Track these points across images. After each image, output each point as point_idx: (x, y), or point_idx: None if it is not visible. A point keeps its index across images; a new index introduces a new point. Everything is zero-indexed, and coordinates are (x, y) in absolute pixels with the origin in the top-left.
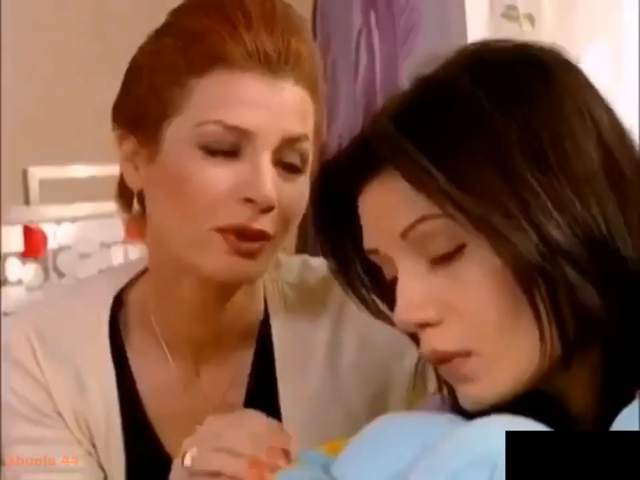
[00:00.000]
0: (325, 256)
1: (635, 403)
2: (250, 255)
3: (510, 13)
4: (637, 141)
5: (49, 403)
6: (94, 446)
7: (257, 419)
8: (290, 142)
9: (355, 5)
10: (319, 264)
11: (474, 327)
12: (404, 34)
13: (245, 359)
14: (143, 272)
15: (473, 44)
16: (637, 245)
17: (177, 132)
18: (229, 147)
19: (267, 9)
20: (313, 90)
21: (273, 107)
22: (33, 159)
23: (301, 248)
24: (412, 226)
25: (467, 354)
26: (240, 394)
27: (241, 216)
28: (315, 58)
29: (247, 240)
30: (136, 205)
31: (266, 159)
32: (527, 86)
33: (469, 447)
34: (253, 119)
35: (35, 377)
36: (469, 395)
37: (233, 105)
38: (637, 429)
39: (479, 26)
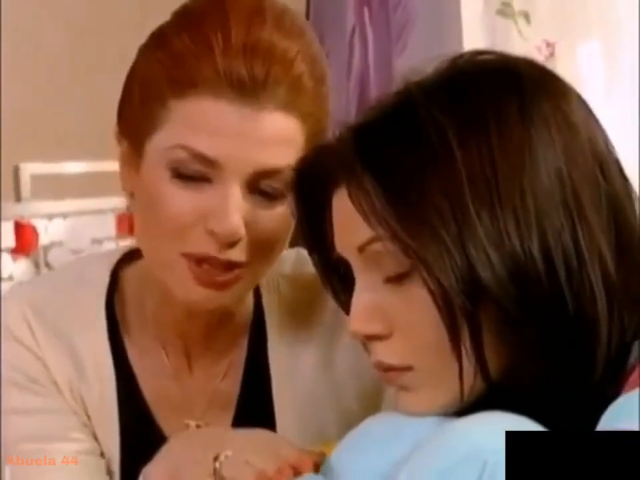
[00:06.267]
0: (306, 248)
1: (618, 401)
2: (222, 287)
3: (505, 10)
4: (628, 165)
5: (45, 373)
6: (88, 417)
7: (283, 441)
8: (267, 173)
9: (349, 2)
10: None
11: (415, 345)
12: (398, 30)
13: (239, 351)
14: (135, 253)
15: (459, 57)
16: (608, 276)
17: (154, 150)
18: (198, 174)
19: (255, 26)
20: (303, 114)
21: (244, 137)
22: (24, 155)
23: (296, 241)
24: (366, 243)
25: (407, 369)
26: (234, 384)
27: (206, 246)
28: (313, 74)
29: (218, 271)
30: (131, 207)
31: (234, 190)
32: (499, 115)
33: (460, 444)
34: (220, 149)
35: (32, 349)
36: (405, 403)
37: (201, 132)
38: (622, 425)
39: (474, 23)
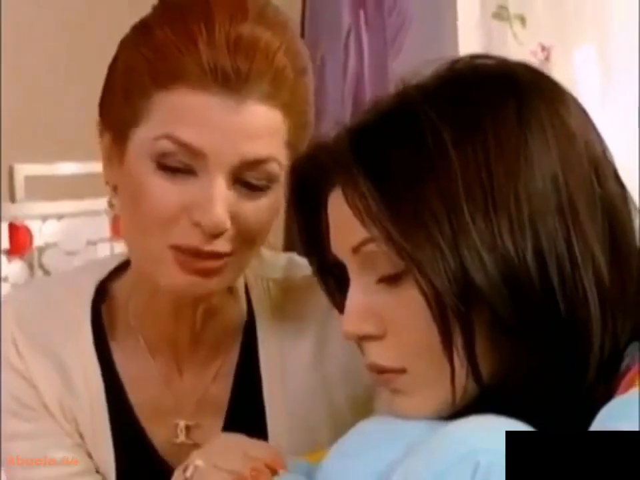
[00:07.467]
0: (301, 247)
1: (611, 403)
2: (208, 274)
3: (501, 13)
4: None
5: (34, 396)
6: (81, 436)
7: (248, 442)
8: (251, 164)
9: (344, 4)
10: (305, 261)
11: (409, 347)
12: (393, 33)
13: (230, 356)
14: (129, 263)
15: (457, 60)
16: (601, 284)
17: (138, 142)
18: (183, 165)
19: (238, 19)
20: (286, 106)
21: (228, 128)
22: (18, 156)
23: (289, 247)
24: (361, 244)
25: (401, 371)
26: (223, 390)
27: (192, 237)
28: (294, 67)
29: (203, 259)
30: (113, 201)
31: (218, 181)
32: (496, 120)
33: (453, 446)
34: (205, 139)
35: (19, 370)
36: (398, 407)
37: (186, 123)
38: (617, 426)
39: (470, 26)
